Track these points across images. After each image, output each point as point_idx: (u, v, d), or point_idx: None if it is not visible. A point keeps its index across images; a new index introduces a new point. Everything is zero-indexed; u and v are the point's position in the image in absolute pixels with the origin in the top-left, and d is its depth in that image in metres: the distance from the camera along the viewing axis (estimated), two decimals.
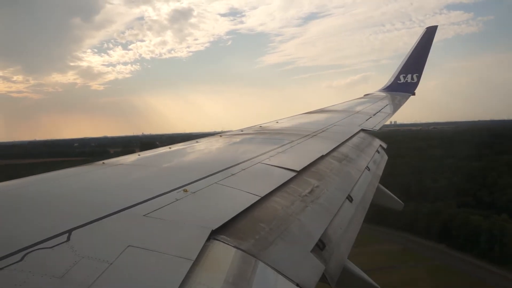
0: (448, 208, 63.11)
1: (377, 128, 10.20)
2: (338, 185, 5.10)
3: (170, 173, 4.39)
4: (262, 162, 4.97)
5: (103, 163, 4.76)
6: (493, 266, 51.75)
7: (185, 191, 3.51)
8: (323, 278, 3.16)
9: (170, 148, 6.05)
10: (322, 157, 5.90)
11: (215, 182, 3.92)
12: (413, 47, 17.50)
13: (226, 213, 3.15)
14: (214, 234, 2.81)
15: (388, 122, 12.73)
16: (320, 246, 3.37)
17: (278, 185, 4.17)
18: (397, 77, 17.74)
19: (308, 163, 5.27)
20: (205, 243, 2.64)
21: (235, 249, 2.76)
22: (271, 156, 5.33)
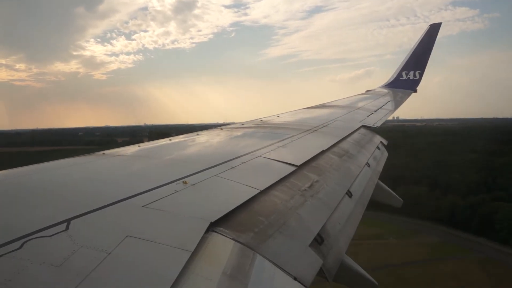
0: (486, 201, 62.69)
1: (378, 124, 10.19)
2: (337, 180, 5.10)
3: (170, 165, 4.39)
4: (262, 155, 4.97)
5: (103, 153, 4.76)
6: None
7: (185, 183, 3.52)
8: (321, 273, 3.17)
9: (170, 140, 6.05)
10: (323, 152, 5.90)
11: (215, 175, 3.92)
12: (416, 44, 17.43)
13: (225, 206, 3.15)
14: (213, 226, 2.81)
15: (390, 118, 12.74)
16: (319, 241, 3.38)
17: (278, 179, 4.17)
18: (400, 74, 17.70)
19: (308, 158, 5.27)
20: (203, 235, 2.64)
21: (233, 241, 2.76)
22: (272, 150, 5.33)
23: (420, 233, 59.03)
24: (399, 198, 7.72)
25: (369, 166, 6.54)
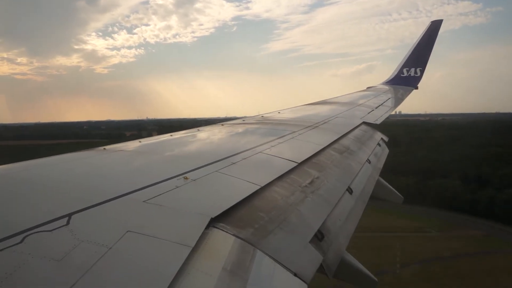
0: None
1: (379, 121, 10.18)
2: (338, 177, 5.10)
3: (171, 161, 4.39)
4: (263, 152, 4.97)
5: (104, 148, 4.76)
6: None
7: (186, 178, 3.52)
8: (321, 269, 3.17)
9: (171, 135, 6.05)
10: (323, 148, 5.90)
11: (216, 171, 3.92)
12: (417, 41, 17.38)
13: (226, 202, 3.15)
14: (214, 222, 2.81)
15: (393, 112, 12.76)
16: (319, 237, 3.38)
17: (278, 175, 4.17)
18: (401, 71, 17.66)
19: (309, 154, 5.27)
20: (204, 230, 2.65)
21: (234, 237, 2.76)
22: (272, 146, 5.33)
23: (460, 226, 58.36)
24: (400, 195, 7.73)
25: (369, 162, 6.54)
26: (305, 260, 3.02)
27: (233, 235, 2.79)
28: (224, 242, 2.68)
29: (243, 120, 8.24)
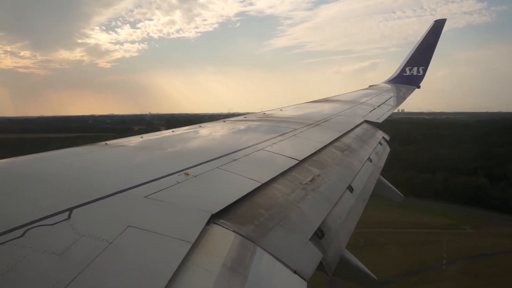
0: None
1: (381, 120, 10.17)
2: (339, 175, 5.10)
3: (172, 156, 4.40)
4: (264, 149, 4.97)
5: (105, 144, 4.77)
6: None
7: (187, 174, 3.52)
8: (321, 267, 3.18)
9: (173, 131, 6.06)
10: (325, 146, 5.89)
11: (217, 167, 3.92)
12: (421, 40, 17.33)
13: (226, 198, 3.16)
14: (214, 218, 2.82)
15: (396, 110, 12.76)
16: (319, 235, 3.39)
17: (279, 172, 4.17)
18: (403, 70, 17.62)
19: (310, 152, 5.27)
20: (204, 226, 2.65)
21: (234, 233, 2.77)
22: (274, 144, 5.33)
23: (492, 223, 58.04)
24: (400, 193, 7.73)
25: (371, 161, 6.53)
26: (305, 258, 3.03)
27: (234, 231, 2.79)
28: (224, 238, 2.69)
29: (245, 117, 8.24)
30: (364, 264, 4.20)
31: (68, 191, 2.92)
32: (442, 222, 56.40)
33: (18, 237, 2.10)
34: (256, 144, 5.13)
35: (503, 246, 48.23)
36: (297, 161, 4.69)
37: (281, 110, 9.62)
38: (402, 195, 7.74)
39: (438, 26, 17.15)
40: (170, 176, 3.42)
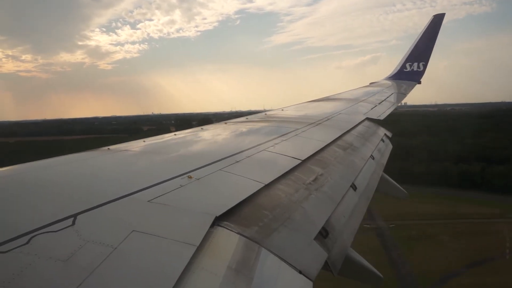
0: None
1: (383, 117, 10.15)
2: (342, 173, 5.09)
3: (175, 160, 4.40)
4: (266, 149, 4.97)
5: (108, 149, 4.78)
6: None
7: (190, 177, 3.52)
8: (326, 266, 3.18)
9: (175, 134, 6.07)
10: (327, 145, 5.89)
11: (220, 169, 3.92)
12: (420, 35, 17.31)
13: (230, 200, 3.16)
14: (218, 221, 2.82)
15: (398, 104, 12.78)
16: (323, 234, 3.38)
17: (282, 172, 4.17)
18: (403, 66, 17.61)
19: (312, 151, 5.26)
20: (209, 229, 2.65)
21: (238, 235, 2.77)
22: (276, 144, 5.32)
23: None
24: (404, 190, 7.72)
25: (373, 158, 6.52)
26: (310, 258, 3.02)
27: (238, 233, 2.79)
28: (229, 240, 2.69)
29: (246, 118, 8.24)
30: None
31: (72, 197, 2.93)
32: (492, 212, 56.19)
33: (23, 245, 2.11)
34: (258, 145, 5.13)
35: None
36: (299, 161, 4.68)
37: (282, 110, 9.62)
38: (406, 192, 7.73)
39: (437, 21, 17.12)
40: (173, 180, 3.43)
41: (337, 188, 4.53)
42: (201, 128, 6.68)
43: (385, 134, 8.81)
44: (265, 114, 8.87)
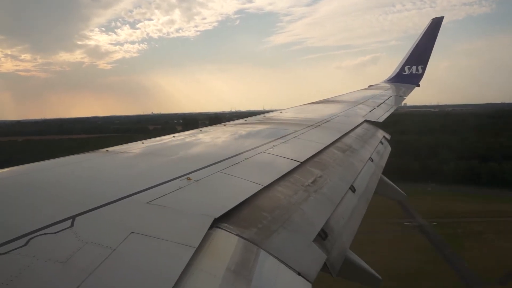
0: None
1: (381, 119, 10.18)
2: (341, 175, 5.09)
3: (174, 162, 4.40)
4: (265, 151, 4.97)
5: (106, 150, 4.77)
6: None
7: (189, 179, 3.52)
8: (325, 268, 3.17)
9: (173, 136, 6.06)
10: (326, 147, 5.89)
11: (219, 171, 3.92)
12: (418, 38, 17.37)
13: (229, 202, 3.16)
14: (217, 222, 2.82)
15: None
16: (322, 236, 3.38)
17: (281, 174, 4.17)
18: (402, 69, 17.65)
19: (311, 153, 5.26)
20: (207, 231, 2.65)
21: (237, 237, 2.77)
22: (275, 146, 5.32)
23: None
24: (403, 192, 7.73)
25: (372, 160, 6.53)
26: (309, 259, 3.02)
27: (237, 235, 2.79)
28: (227, 242, 2.69)
29: (245, 120, 8.25)
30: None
31: (71, 198, 2.92)
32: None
33: (22, 246, 2.10)
34: (257, 147, 5.13)
35: None
36: (298, 163, 4.68)
37: (281, 112, 9.64)
38: (405, 194, 7.74)
39: (435, 24, 17.18)
40: (172, 182, 3.42)
41: (336, 190, 4.53)
42: (200, 130, 6.68)
43: (384, 136, 8.82)
44: (264, 116, 8.88)
